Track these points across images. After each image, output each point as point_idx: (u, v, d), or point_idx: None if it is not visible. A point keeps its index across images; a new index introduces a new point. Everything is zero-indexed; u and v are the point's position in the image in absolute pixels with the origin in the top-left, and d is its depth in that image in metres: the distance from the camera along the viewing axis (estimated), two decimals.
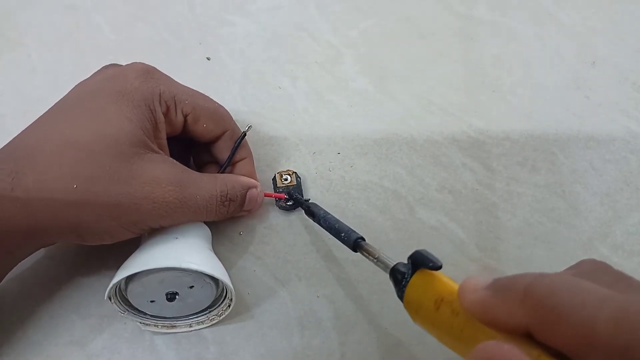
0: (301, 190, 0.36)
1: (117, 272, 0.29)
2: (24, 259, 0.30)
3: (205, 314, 0.31)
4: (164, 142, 0.32)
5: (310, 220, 0.35)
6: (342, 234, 0.31)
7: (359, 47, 0.45)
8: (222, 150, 0.35)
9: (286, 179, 0.37)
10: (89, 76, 0.33)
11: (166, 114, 0.31)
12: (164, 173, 0.29)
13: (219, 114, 0.34)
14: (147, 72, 0.31)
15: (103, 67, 0.33)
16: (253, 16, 0.47)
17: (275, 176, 0.37)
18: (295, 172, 0.37)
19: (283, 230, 0.36)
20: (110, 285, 0.28)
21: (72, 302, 0.33)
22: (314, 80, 0.43)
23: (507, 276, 0.21)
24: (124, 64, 0.33)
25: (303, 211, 0.35)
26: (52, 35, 0.46)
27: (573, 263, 0.34)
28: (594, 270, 0.21)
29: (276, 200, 0.36)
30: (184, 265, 0.28)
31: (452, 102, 0.41)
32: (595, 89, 0.42)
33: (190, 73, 0.43)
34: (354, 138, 0.40)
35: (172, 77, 0.33)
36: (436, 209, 0.36)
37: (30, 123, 0.30)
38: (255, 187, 0.34)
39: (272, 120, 0.41)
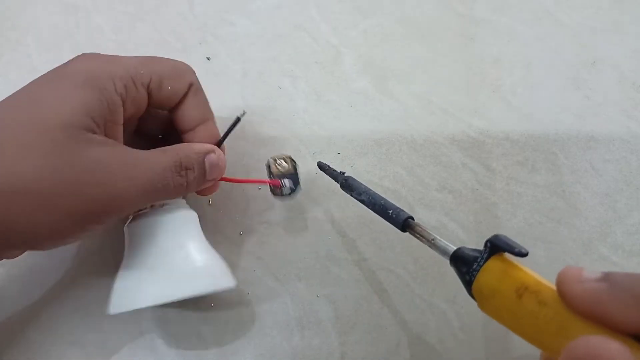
0: (298, 178, 0.34)
1: (118, 284, 0.28)
2: None
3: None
4: (119, 126, 0.29)
5: (310, 221, 0.35)
6: (390, 212, 0.28)
7: (359, 47, 0.45)
8: (188, 109, 0.32)
9: (281, 165, 0.34)
10: None
11: (127, 95, 0.29)
12: (107, 155, 0.26)
13: (179, 70, 0.32)
14: (93, 55, 0.29)
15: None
16: (253, 16, 0.47)
17: (269, 161, 0.34)
18: (290, 157, 0.34)
19: (283, 230, 0.36)
20: (122, 310, 0.28)
21: (72, 302, 0.33)
22: (314, 80, 0.43)
23: (622, 272, 0.20)
24: None
25: (339, 186, 0.31)
26: (52, 35, 0.46)
27: (573, 263, 0.34)
28: None
29: (271, 188, 0.34)
30: (207, 290, 0.28)
31: (452, 102, 0.41)
32: (595, 89, 0.42)
33: None
34: (354, 138, 0.40)
35: None
36: (436, 209, 0.36)
37: None
38: (213, 151, 0.31)
39: (272, 120, 0.41)
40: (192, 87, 0.32)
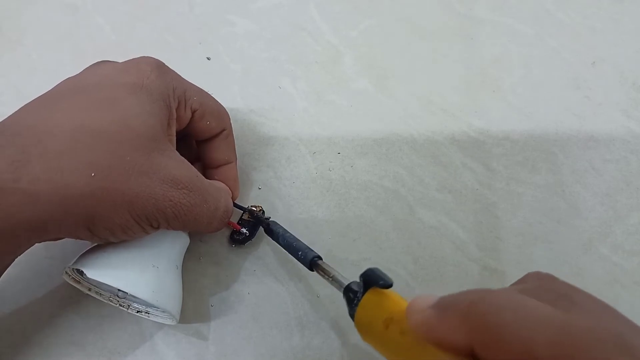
0: (255, 232, 0.35)
1: (80, 257, 0.29)
2: (22, 253, 0.27)
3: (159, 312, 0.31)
4: (174, 138, 0.31)
5: (310, 221, 0.35)
6: (299, 253, 0.30)
7: (359, 47, 0.45)
8: (216, 149, 0.35)
9: (251, 217, 0.35)
10: (82, 71, 0.31)
11: (176, 110, 0.31)
12: (182, 175, 0.28)
13: (221, 113, 0.35)
14: (160, 67, 0.31)
15: (95, 63, 0.32)
16: (253, 16, 0.47)
17: (248, 208, 0.35)
18: (262, 209, 0.36)
19: None
20: (66, 267, 0.30)
21: (72, 302, 0.33)
22: (314, 80, 0.43)
23: (453, 294, 0.20)
24: None
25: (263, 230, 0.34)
26: (52, 35, 0.46)
27: (573, 263, 0.34)
28: (539, 286, 0.21)
29: (231, 232, 0.35)
30: (116, 284, 0.28)
31: (452, 102, 0.41)
32: (595, 89, 0.42)
33: (190, 73, 0.43)
34: (354, 138, 0.40)
35: None
36: (436, 209, 0.36)
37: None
38: (231, 195, 0.34)
39: (272, 120, 0.41)
40: (224, 132, 0.35)
